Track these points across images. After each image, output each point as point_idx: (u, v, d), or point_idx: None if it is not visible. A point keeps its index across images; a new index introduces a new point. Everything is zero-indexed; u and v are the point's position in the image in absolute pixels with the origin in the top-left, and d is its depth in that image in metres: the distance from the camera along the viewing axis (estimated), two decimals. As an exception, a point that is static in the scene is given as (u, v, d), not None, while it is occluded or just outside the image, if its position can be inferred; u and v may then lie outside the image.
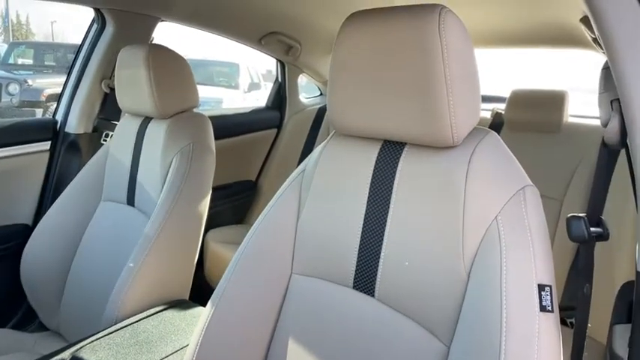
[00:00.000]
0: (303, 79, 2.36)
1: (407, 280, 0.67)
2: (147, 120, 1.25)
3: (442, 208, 0.65)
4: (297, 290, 0.78)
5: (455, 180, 0.65)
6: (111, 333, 0.90)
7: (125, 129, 1.28)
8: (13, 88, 6.36)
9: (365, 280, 0.72)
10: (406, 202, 0.69)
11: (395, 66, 0.66)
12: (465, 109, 0.64)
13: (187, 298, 1.12)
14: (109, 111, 1.54)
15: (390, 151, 0.72)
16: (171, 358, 0.85)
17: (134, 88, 1.19)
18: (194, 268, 1.16)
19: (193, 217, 1.14)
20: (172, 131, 1.18)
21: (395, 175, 0.71)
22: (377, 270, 0.70)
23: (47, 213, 1.30)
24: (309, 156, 0.83)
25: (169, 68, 1.19)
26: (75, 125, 1.51)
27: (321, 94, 2.49)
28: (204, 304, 0.84)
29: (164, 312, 1.00)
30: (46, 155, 1.49)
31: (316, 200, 0.77)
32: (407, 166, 0.70)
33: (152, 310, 1.00)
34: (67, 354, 0.83)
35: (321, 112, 2.30)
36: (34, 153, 1.46)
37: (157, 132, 1.20)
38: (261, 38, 1.87)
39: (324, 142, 0.82)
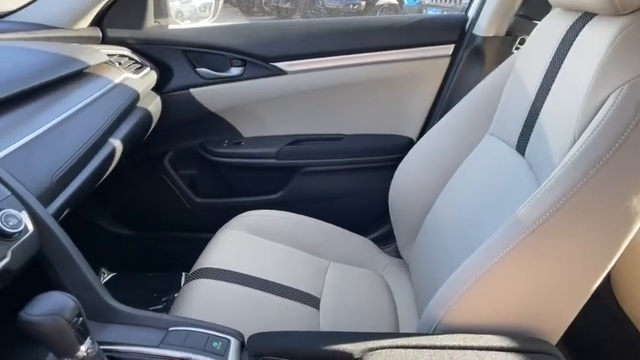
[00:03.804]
0: None
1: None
2: (585, 17, 0.73)
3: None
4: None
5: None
6: (415, 348, 0.59)
7: (545, 33, 0.81)
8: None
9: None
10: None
11: None
12: None
13: (554, 343, 0.65)
14: (532, 5, 1.07)
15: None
16: None
17: None
18: (589, 295, 0.65)
19: (626, 206, 0.60)
20: (628, 39, 0.62)
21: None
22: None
23: (428, 132, 1.07)
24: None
25: None
26: (485, 25, 1.13)
27: None
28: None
29: (508, 354, 0.59)
30: (446, 62, 1.22)
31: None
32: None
33: (489, 341, 0.61)
34: (357, 349, 0.60)
35: None
36: (434, 58, 1.21)
37: (595, 39, 0.67)
38: None
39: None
